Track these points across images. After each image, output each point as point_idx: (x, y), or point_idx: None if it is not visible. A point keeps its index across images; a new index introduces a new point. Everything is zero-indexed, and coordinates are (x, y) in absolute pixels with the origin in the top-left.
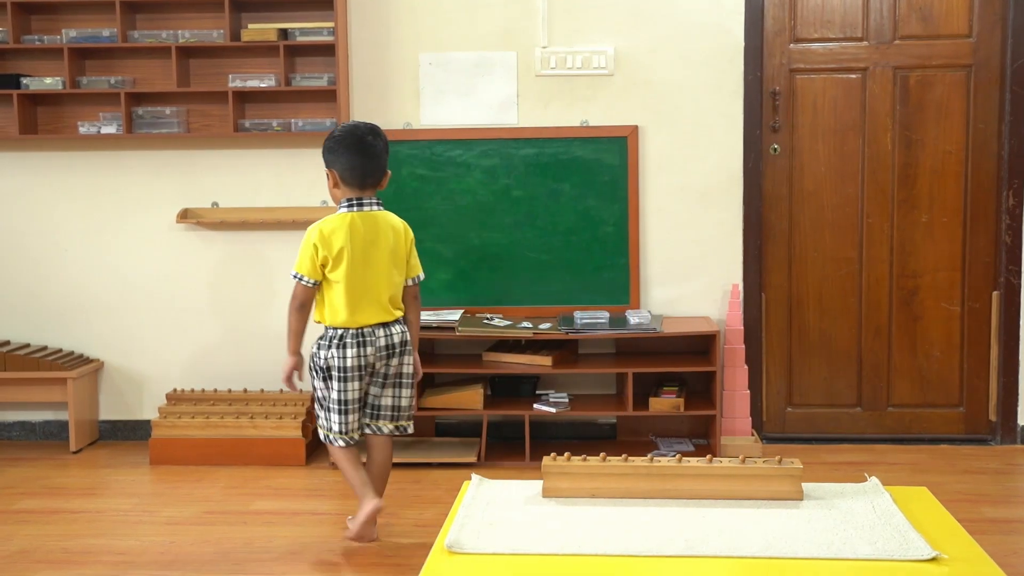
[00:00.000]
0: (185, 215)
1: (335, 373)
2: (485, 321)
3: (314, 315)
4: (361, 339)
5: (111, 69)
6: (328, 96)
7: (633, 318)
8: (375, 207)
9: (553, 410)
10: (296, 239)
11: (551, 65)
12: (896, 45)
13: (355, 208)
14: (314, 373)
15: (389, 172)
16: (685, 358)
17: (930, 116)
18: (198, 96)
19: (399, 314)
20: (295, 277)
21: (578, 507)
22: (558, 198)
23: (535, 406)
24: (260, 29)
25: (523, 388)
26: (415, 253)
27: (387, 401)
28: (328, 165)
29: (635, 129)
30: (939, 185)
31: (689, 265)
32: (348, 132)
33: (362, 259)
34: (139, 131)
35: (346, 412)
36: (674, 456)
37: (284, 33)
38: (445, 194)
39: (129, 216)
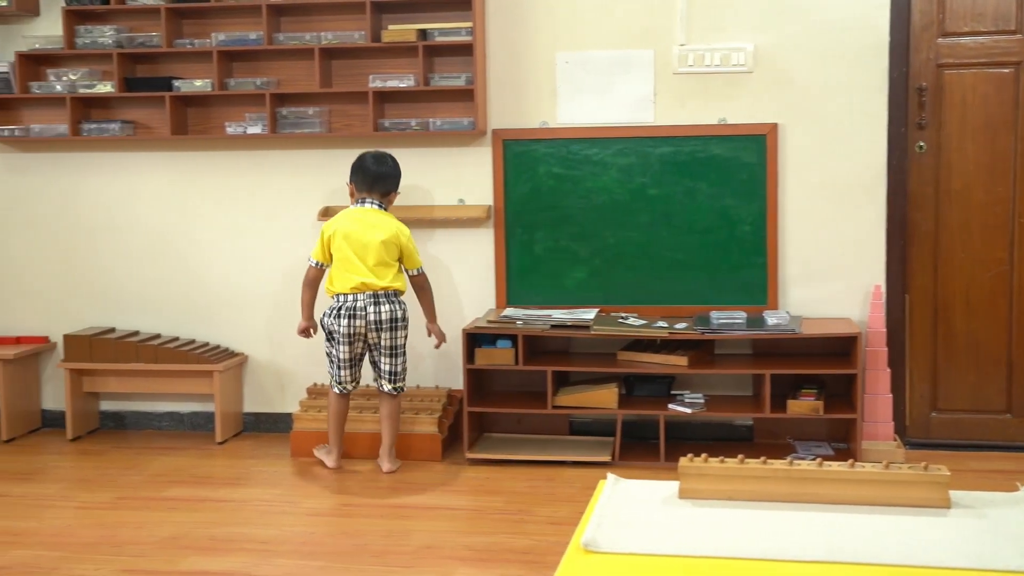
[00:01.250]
0: (326, 213)
1: (335, 337)
2: (620, 320)
3: (324, 287)
4: (353, 312)
5: (257, 71)
6: (466, 96)
7: (771, 319)
8: (372, 204)
9: (689, 410)
10: (434, 236)
11: (689, 63)
12: None
13: (356, 205)
14: (325, 334)
15: (398, 193)
16: (825, 360)
17: None
18: (339, 96)
19: (394, 286)
20: (308, 260)
21: (715, 509)
22: (695, 197)
23: (670, 406)
24: (400, 30)
25: (658, 388)
26: (412, 248)
27: (385, 367)
28: (351, 179)
29: (774, 127)
30: None
31: (829, 265)
32: (369, 156)
33: (356, 237)
34: (283, 131)
35: (340, 367)
36: (814, 459)
37: (423, 34)
38: (581, 192)
39: (273, 214)
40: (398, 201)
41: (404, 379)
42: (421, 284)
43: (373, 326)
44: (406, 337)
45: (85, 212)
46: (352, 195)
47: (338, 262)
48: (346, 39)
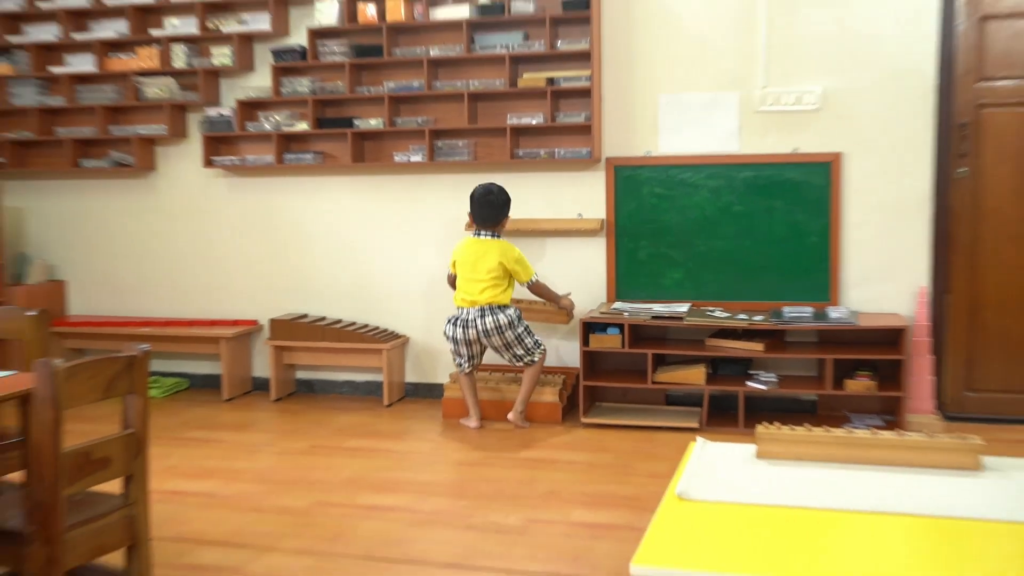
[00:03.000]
0: (471, 225)
1: (455, 340)
2: (708, 313)
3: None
4: (465, 323)
5: (418, 111)
6: (584, 130)
7: (833, 313)
8: (485, 235)
9: (764, 387)
10: (558, 245)
11: (768, 103)
12: None
13: (473, 236)
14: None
15: (509, 217)
16: (877, 348)
17: None
18: (483, 131)
19: (498, 301)
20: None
21: (786, 468)
22: (771, 213)
23: (748, 383)
24: (532, 78)
25: (738, 369)
26: (519, 268)
27: (508, 357)
28: (469, 211)
29: (838, 156)
30: None
31: (883, 270)
32: (478, 192)
33: (469, 264)
34: (438, 159)
35: (459, 356)
36: (868, 429)
37: (551, 81)
38: (678, 209)
39: (429, 225)
40: (529, 214)
41: (535, 353)
42: (536, 291)
43: (482, 333)
44: (518, 332)
45: (285, 224)
46: (469, 226)
47: (458, 283)
48: (489, 86)
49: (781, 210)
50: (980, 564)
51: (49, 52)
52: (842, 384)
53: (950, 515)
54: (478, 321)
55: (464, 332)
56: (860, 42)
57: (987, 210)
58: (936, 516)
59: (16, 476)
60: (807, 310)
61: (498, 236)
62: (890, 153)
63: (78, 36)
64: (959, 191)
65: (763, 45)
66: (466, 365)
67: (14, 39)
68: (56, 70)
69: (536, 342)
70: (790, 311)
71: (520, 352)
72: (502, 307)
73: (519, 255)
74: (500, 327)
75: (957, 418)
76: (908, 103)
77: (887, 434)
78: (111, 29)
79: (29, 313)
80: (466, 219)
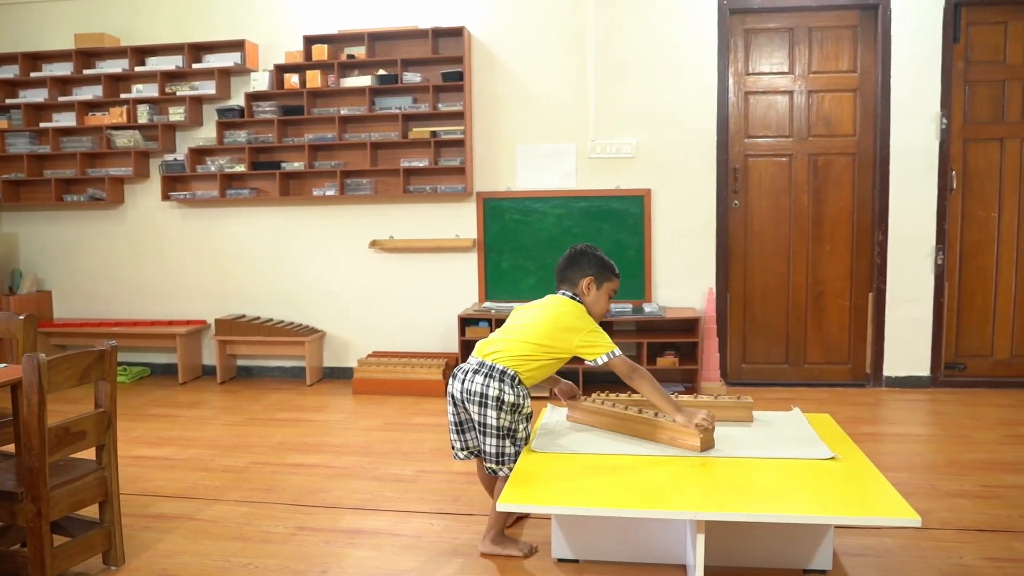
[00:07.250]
0: (373, 243)
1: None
2: None
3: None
4: (455, 374)
5: (332, 156)
6: (460, 171)
7: (647, 308)
8: (558, 293)
9: (596, 364)
10: (439, 260)
11: (597, 151)
12: (810, 140)
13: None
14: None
15: (587, 278)
16: (679, 333)
17: (831, 185)
18: (382, 172)
19: (503, 362)
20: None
21: (597, 433)
22: (601, 233)
23: (586, 362)
24: (419, 131)
25: None
26: (576, 336)
27: (483, 445)
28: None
29: (649, 191)
30: (836, 227)
31: (682, 275)
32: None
33: (515, 314)
34: (348, 193)
35: (451, 432)
36: (673, 394)
37: (434, 133)
38: (532, 231)
39: (341, 244)
40: (418, 236)
41: (498, 462)
42: (620, 371)
43: (461, 395)
44: (499, 419)
45: (227, 243)
46: None
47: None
48: (386, 137)
49: (608, 231)
50: (751, 488)
51: (39, 111)
52: (655, 360)
53: (731, 455)
54: (468, 379)
55: (451, 384)
56: (663, 108)
57: (753, 232)
58: (719, 456)
59: (9, 448)
60: (628, 306)
61: (579, 299)
62: (686, 189)
63: (63, 98)
64: (734, 217)
65: (593, 109)
66: (456, 447)
67: (11, 101)
68: (44, 125)
69: (518, 452)
70: (616, 307)
71: (489, 450)
72: (499, 371)
73: (573, 322)
74: (487, 397)
75: (736, 383)
76: (698, 153)
77: (686, 397)
78: (89, 93)
79: (20, 317)
80: (369, 236)
